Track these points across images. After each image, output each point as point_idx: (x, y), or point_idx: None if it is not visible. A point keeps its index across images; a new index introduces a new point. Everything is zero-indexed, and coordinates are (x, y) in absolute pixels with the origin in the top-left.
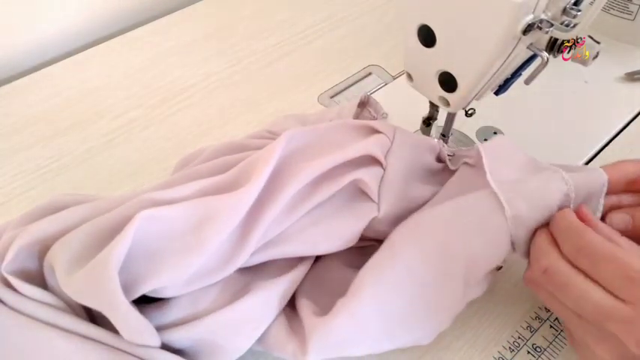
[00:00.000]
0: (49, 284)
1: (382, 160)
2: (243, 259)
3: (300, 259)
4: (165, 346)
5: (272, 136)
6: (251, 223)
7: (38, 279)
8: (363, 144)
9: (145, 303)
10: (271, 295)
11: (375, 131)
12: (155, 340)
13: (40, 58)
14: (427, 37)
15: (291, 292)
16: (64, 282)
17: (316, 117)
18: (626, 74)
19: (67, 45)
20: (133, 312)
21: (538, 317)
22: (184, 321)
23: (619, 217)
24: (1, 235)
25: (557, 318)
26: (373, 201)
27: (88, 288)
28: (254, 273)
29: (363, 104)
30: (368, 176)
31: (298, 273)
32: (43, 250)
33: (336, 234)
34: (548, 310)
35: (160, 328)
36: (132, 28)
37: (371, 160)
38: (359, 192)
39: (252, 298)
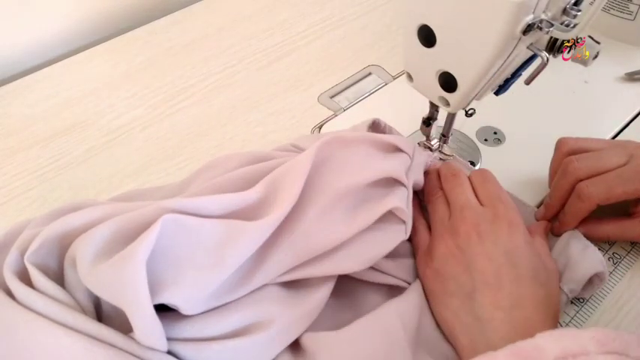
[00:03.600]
0: (66, 281)
1: (406, 182)
2: (261, 282)
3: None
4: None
5: (297, 150)
6: (270, 247)
7: (54, 278)
8: (389, 166)
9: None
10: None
11: (397, 148)
12: (164, 344)
13: (40, 58)
14: (427, 37)
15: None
16: (86, 272)
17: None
18: (626, 74)
19: (67, 45)
20: (152, 310)
21: None
22: (193, 339)
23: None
24: (19, 233)
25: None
26: (403, 222)
27: (112, 280)
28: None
29: (376, 127)
30: (400, 201)
31: (315, 305)
32: (63, 247)
33: (365, 255)
34: None
35: (168, 339)
36: (132, 28)
37: (394, 180)
38: (388, 213)
39: (265, 332)
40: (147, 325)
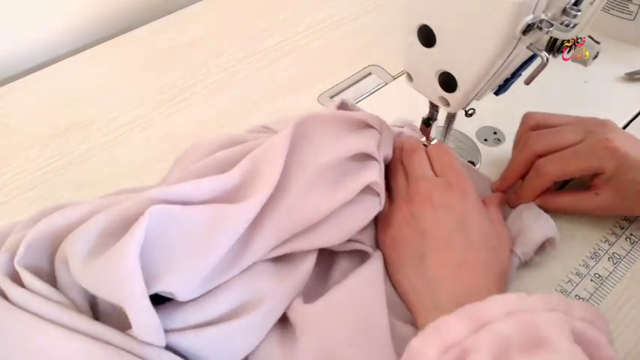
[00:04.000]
0: (59, 281)
1: (377, 156)
2: (251, 260)
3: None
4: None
5: (268, 131)
6: (257, 226)
7: (46, 279)
8: (362, 141)
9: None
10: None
11: (366, 124)
12: (162, 338)
13: (40, 58)
14: (427, 37)
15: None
16: (79, 272)
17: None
18: (626, 74)
19: (67, 45)
20: (148, 303)
21: None
22: (189, 327)
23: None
24: (6, 236)
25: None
26: (377, 194)
27: (106, 277)
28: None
29: (344, 107)
30: (376, 175)
31: (302, 278)
32: (54, 245)
33: (347, 227)
34: None
35: (165, 331)
36: (132, 27)
37: (367, 155)
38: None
39: (257, 311)
40: (144, 319)
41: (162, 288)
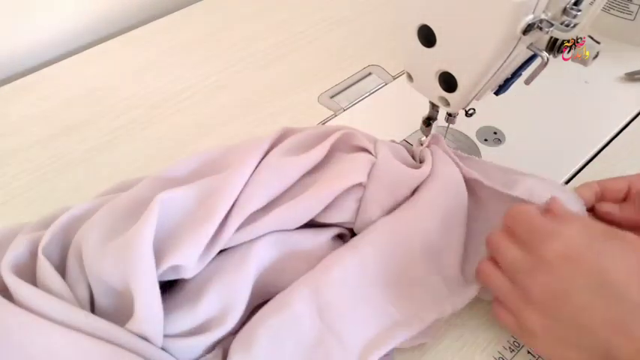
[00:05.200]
0: (68, 274)
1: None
2: (237, 223)
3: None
4: None
5: None
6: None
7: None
8: (349, 174)
9: None
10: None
11: (359, 148)
12: (161, 331)
13: (40, 58)
14: (427, 37)
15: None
16: (94, 256)
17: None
18: (626, 74)
19: (67, 45)
20: (157, 290)
21: None
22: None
23: (607, 206)
24: (7, 238)
25: None
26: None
27: (119, 261)
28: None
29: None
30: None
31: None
32: (67, 239)
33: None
34: None
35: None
36: (132, 28)
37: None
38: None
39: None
40: (151, 305)
41: (171, 263)
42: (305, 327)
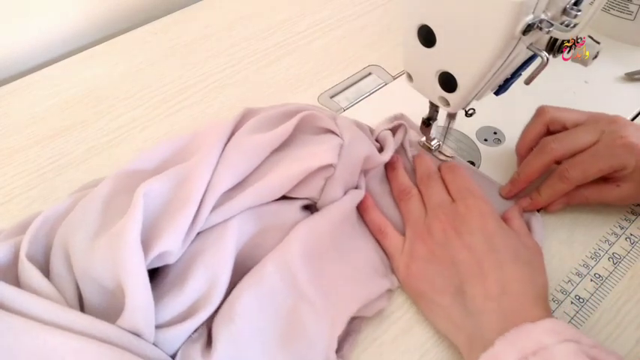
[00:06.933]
0: (53, 272)
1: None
2: (211, 204)
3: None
4: None
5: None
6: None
7: (42, 272)
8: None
9: None
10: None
11: (324, 129)
12: (152, 322)
13: (40, 58)
14: (427, 37)
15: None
16: (84, 256)
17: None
18: (626, 74)
19: (67, 45)
20: (148, 283)
21: None
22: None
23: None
24: None
25: (557, 318)
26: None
27: (108, 257)
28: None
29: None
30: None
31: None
32: (50, 238)
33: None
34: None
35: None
36: (132, 28)
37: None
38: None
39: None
40: (142, 299)
41: (158, 251)
42: (280, 297)
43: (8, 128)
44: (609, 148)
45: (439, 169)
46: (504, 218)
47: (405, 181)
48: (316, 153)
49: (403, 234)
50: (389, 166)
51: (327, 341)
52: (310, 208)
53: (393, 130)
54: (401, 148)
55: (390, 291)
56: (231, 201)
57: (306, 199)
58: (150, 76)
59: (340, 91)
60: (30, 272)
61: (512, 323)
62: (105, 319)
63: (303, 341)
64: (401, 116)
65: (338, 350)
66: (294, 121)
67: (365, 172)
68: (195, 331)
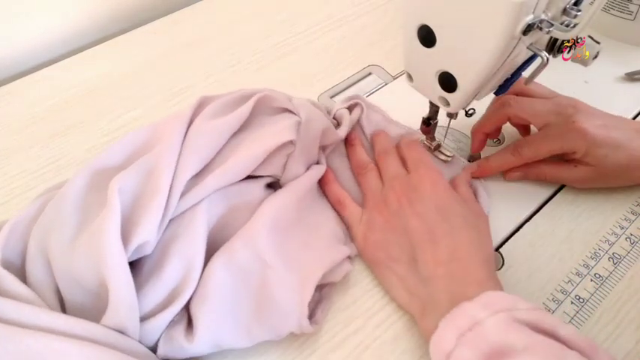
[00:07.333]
0: (30, 278)
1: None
2: (180, 190)
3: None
4: None
5: None
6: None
7: (17, 275)
8: (276, 134)
9: None
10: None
11: (281, 109)
12: (137, 317)
13: (40, 58)
14: (427, 37)
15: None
16: (64, 257)
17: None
18: (626, 74)
19: (67, 45)
20: (130, 278)
21: None
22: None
23: (515, 175)
24: None
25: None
26: (291, 144)
27: (90, 255)
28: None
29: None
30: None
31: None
32: (23, 244)
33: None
34: (549, 310)
35: None
36: (132, 28)
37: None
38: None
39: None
40: (125, 294)
41: (138, 241)
42: (249, 271)
43: (8, 128)
44: (561, 130)
45: (397, 146)
46: (452, 185)
47: (363, 157)
48: (275, 132)
49: (362, 206)
50: (348, 143)
51: (298, 308)
52: (274, 185)
53: (350, 109)
54: (358, 126)
55: (350, 258)
56: (197, 187)
57: (270, 176)
58: (150, 76)
59: (340, 91)
60: (7, 279)
61: (459, 286)
62: (88, 319)
63: (275, 311)
64: (357, 97)
65: (311, 317)
66: (250, 103)
67: (324, 147)
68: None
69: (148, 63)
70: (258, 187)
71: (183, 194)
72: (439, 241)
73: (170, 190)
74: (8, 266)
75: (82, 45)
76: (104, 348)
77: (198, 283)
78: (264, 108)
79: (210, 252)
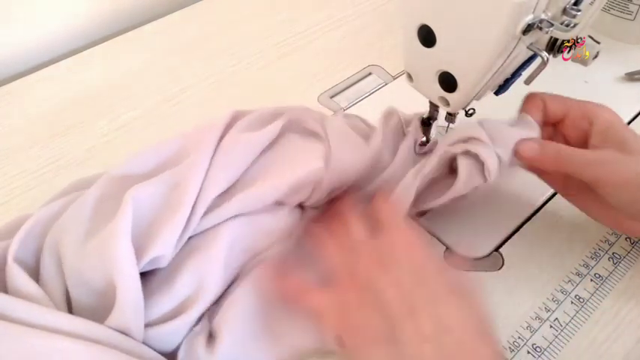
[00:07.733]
0: (42, 274)
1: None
2: (204, 208)
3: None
4: None
5: None
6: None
7: (31, 275)
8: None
9: None
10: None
11: (311, 132)
12: (142, 324)
13: (40, 58)
14: (427, 37)
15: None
16: (75, 259)
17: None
18: (626, 74)
19: (67, 45)
20: (139, 284)
21: (538, 317)
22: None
23: (528, 145)
24: None
25: (557, 318)
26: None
27: (100, 258)
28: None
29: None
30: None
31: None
32: (41, 240)
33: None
34: (549, 311)
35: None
36: (132, 28)
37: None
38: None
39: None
40: (133, 298)
41: (151, 256)
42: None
43: (8, 128)
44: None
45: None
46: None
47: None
48: (303, 161)
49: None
50: (338, 215)
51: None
52: (303, 206)
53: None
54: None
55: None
56: (220, 207)
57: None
58: (150, 76)
59: (340, 91)
60: (17, 275)
61: None
62: (94, 320)
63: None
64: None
65: None
66: (280, 122)
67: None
68: (198, 324)
69: (148, 63)
70: (284, 211)
71: (206, 213)
72: (419, 310)
73: (194, 207)
74: (23, 263)
75: (82, 45)
76: (109, 349)
77: (224, 300)
78: (294, 126)
79: (234, 271)
